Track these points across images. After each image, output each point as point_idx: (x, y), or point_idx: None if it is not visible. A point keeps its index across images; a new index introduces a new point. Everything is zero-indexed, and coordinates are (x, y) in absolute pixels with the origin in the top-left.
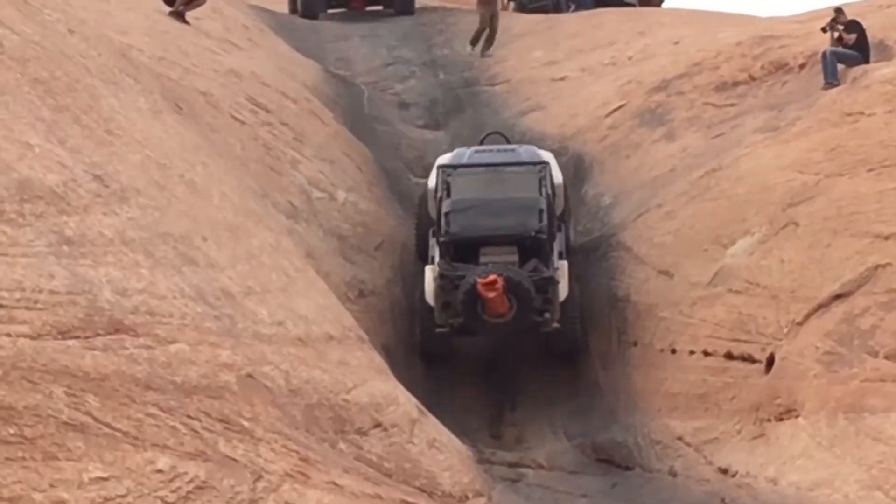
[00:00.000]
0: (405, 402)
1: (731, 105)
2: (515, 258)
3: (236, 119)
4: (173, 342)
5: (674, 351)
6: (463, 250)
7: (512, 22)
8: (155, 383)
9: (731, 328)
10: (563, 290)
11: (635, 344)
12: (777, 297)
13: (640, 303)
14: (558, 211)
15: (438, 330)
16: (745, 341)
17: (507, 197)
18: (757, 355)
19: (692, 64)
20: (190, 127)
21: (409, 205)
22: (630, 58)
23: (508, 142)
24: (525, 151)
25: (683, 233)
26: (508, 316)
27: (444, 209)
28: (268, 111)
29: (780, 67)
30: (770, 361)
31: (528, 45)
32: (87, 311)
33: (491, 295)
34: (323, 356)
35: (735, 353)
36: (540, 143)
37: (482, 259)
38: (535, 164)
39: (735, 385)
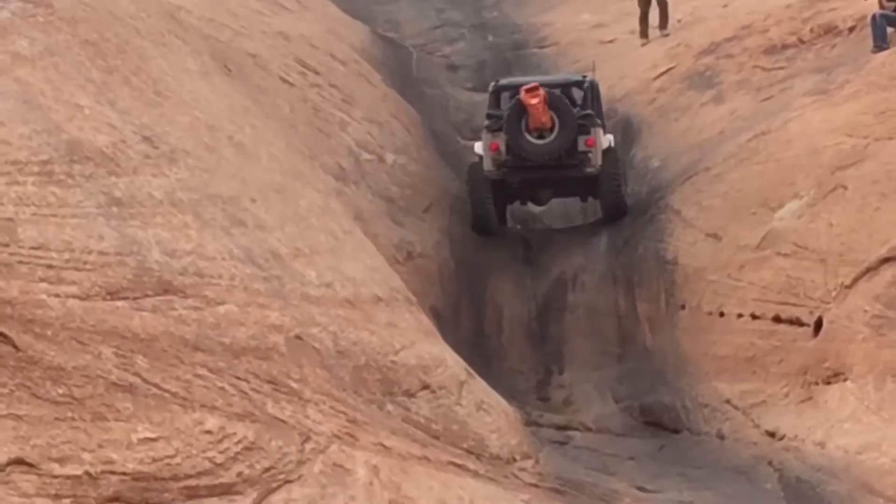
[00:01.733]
0: (453, 365)
1: (780, 68)
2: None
3: (285, 81)
4: (222, 303)
5: (722, 314)
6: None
7: None
8: (203, 344)
9: (779, 291)
10: (605, 139)
11: (683, 307)
12: (825, 260)
13: (688, 266)
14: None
15: (488, 173)
16: (794, 304)
17: (553, 77)
18: (805, 318)
19: (741, 27)
20: (239, 89)
21: (458, 167)
22: (679, 20)
23: None
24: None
25: (731, 196)
26: (551, 131)
27: (491, 87)
28: (316, 73)
29: (830, 30)
30: (818, 325)
31: (575, 7)
32: (135, 271)
33: (534, 101)
34: (371, 318)
35: (783, 316)
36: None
37: None
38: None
39: (783, 348)
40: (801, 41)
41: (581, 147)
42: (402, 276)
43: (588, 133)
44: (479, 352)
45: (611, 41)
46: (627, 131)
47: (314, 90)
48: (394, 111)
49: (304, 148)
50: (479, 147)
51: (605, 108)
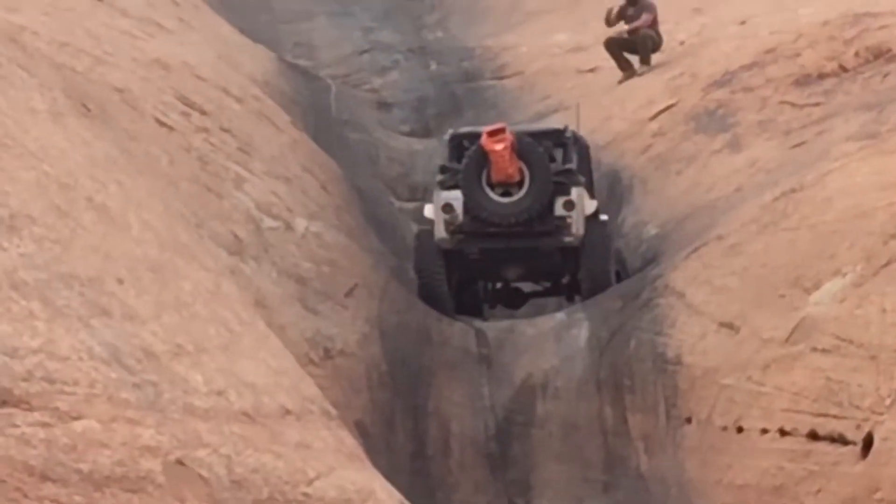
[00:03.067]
0: (385, 498)
1: (816, 104)
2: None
3: (163, 124)
4: (79, 418)
5: (740, 429)
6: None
7: None
8: (55, 472)
9: (816, 399)
10: (588, 204)
11: (689, 420)
12: (877, 357)
13: (695, 366)
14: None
15: (439, 241)
16: (835, 416)
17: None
18: (850, 435)
19: (764, 51)
20: (101, 134)
21: (391, 236)
22: (682, 43)
23: None
24: None
25: (753, 273)
26: (519, 186)
27: (447, 136)
28: (204, 113)
29: (881, 55)
30: (868, 443)
31: (547, 25)
32: None
33: (498, 147)
34: (276, 437)
35: (821, 431)
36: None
37: None
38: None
39: (822, 474)
40: (844, 69)
41: (558, 210)
42: (318, 381)
43: (567, 193)
44: (421, 480)
45: (592, 70)
46: (615, 188)
47: (201, 136)
48: (306, 163)
49: (188, 212)
50: (429, 210)
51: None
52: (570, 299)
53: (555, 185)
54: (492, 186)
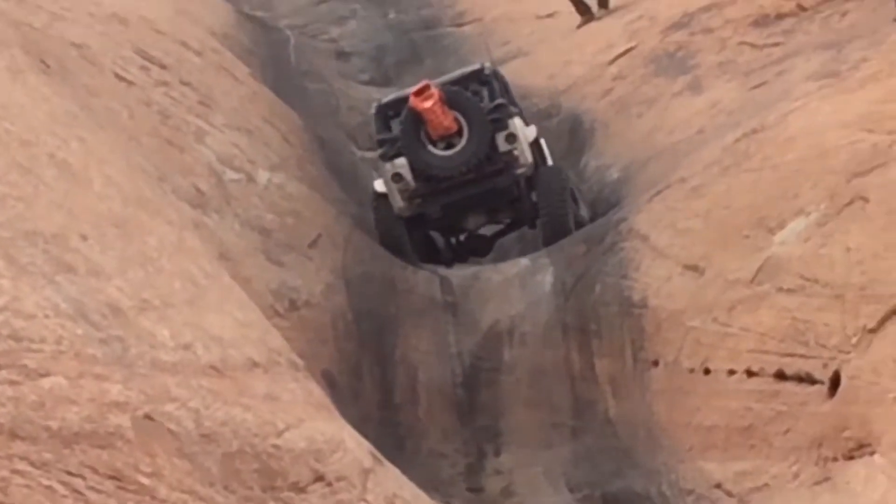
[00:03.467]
0: (355, 448)
1: (776, 44)
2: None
3: (122, 79)
4: (46, 375)
5: (707, 371)
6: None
7: None
8: (23, 430)
9: (782, 339)
10: (528, 131)
11: (656, 363)
12: (842, 296)
13: (660, 308)
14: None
15: (400, 210)
16: (802, 356)
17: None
18: (818, 374)
19: None
20: (61, 91)
21: (353, 186)
22: None
23: None
24: None
25: (716, 215)
26: (459, 136)
27: (373, 108)
28: (163, 67)
29: None
30: (835, 382)
31: None
32: None
33: (427, 104)
34: (244, 389)
35: (788, 371)
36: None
37: None
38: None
39: (789, 414)
40: (802, 8)
41: (502, 146)
42: (284, 333)
43: (505, 127)
44: (389, 429)
45: (550, 15)
46: (576, 133)
47: (161, 90)
48: (267, 115)
49: (150, 167)
50: (379, 184)
51: (546, 103)
52: (532, 226)
53: (491, 122)
54: (433, 143)
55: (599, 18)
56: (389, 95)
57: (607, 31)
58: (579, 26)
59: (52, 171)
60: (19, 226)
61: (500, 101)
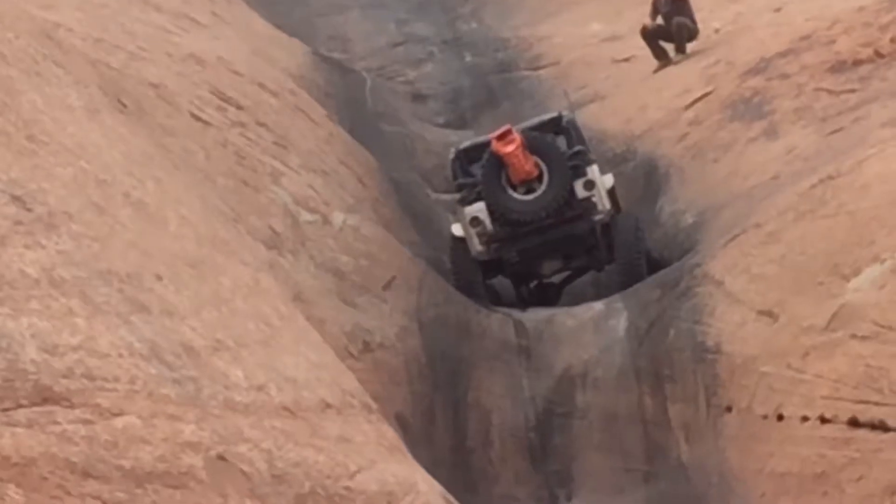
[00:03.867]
0: (427, 491)
1: (852, 91)
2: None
3: (199, 119)
4: (119, 414)
5: (780, 417)
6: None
7: None
8: (96, 469)
9: (856, 386)
10: (606, 179)
11: (729, 409)
12: None
13: (734, 354)
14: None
15: (479, 255)
16: (876, 403)
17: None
18: (891, 421)
19: (799, 37)
20: (138, 130)
21: (428, 228)
22: (717, 30)
23: None
24: None
25: (791, 261)
26: (539, 181)
27: (451, 154)
28: (240, 108)
29: None
30: None
31: (580, 15)
32: (4, 374)
33: (509, 149)
34: (317, 430)
35: (862, 418)
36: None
37: None
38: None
39: (863, 461)
40: (880, 55)
41: (580, 193)
42: (358, 375)
43: (584, 174)
44: (462, 472)
45: (627, 59)
46: (651, 178)
47: (237, 130)
48: (342, 156)
49: (226, 207)
50: (457, 228)
51: (622, 148)
52: (600, 269)
53: (571, 169)
54: (513, 187)
55: (676, 63)
56: (468, 140)
57: (684, 76)
58: (656, 71)
59: (128, 211)
60: (94, 265)
61: (579, 147)
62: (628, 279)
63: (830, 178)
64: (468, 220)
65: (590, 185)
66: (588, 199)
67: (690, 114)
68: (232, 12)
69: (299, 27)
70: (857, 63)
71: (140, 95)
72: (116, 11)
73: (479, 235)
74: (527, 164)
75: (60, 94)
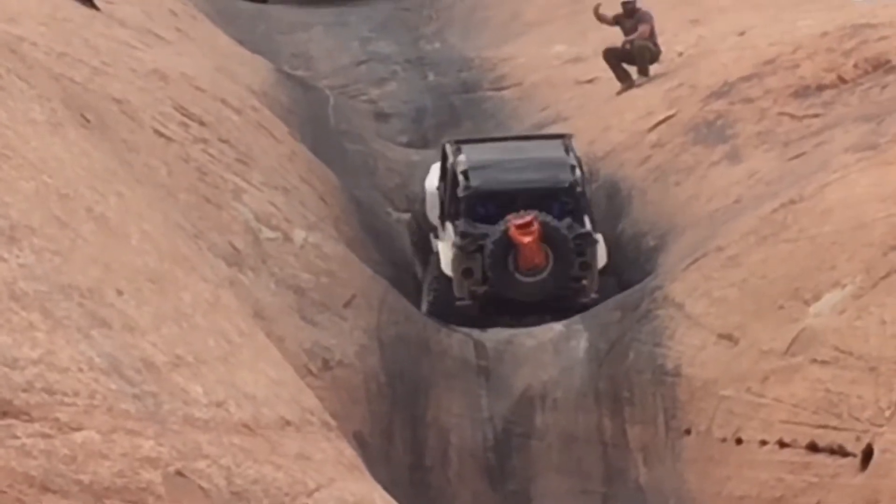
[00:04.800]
0: None
1: (815, 116)
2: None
3: (161, 135)
4: (79, 429)
5: (739, 441)
6: (482, 212)
7: (524, 6)
8: (55, 483)
9: (815, 411)
10: (601, 257)
11: (688, 432)
12: (876, 368)
13: (694, 377)
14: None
15: (459, 304)
16: (835, 428)
17: (532, 156)
18: (850, 447)
19: (763, 62)
20: (100, 145)
21: (388, 247)
22: (680, 54)
23: None
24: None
25: (752, 284)
26: (544, 269)
27: (461, 167)
28: (202, 124)
29: (880, 66)
30: (867, 455)
31: (544, 36)
32: None
33: (526, 239)
34: (276, 448)
35: (821, 443)
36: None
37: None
38: (559, 135)
39: (821, 486)
40: (843, 80)
41: (575, 271)
42: (317, 393)
43: (583, 255)
44: (419, 491)
45: (590, 81)
46: (614, 199)
47: (199, 147)
48: (304, 174)
49: (187, 223)
50: (445, 263)
51: (584, 170)
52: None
53: (575, 255)
54: (518, 270)
55: (639, 85)
56: (486, 179)
57: (647, 99)
58: (619, 93)
59: (90, 226)
60: (55, 279)
61: (586, 230)
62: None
63: (792, 202)
64: (462, 269)
65: (586, 266)
66: (579, 280)
67: (653, 136)
68: (196, 29)
69: (263, 44)
70: (821, 88)
71: (103, 110)
72: (80, 26)
73: (468, 287)
74: (537, 257)
75: (24, 107)
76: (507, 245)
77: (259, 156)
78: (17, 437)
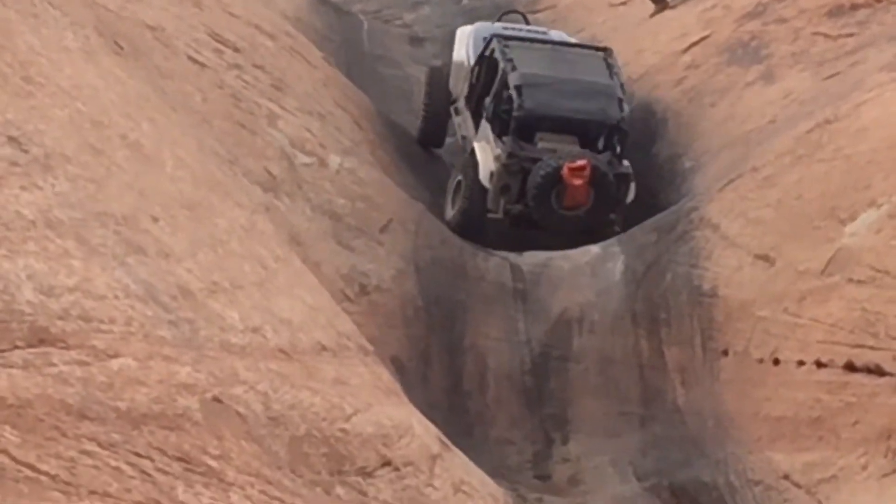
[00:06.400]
0: (422, 433)
1: (850, 35)
2: (577, 148)
3: (195, 61)
4: (115, 356)
5: (777, 361)
6: (527, 132)
7: None
8: (92, 411)
9: (852, 330)
10: (631, 192)
11: (726, 353)
12: None
13: (731, 298)
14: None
15: (491, 216)
16: (872, 347)
17: (582, 79)
18: (887, 366)
19: None
20: (134, 72)
21: (423, 172)
22: None
23: (528, 23)
24: (559, 35)
25: (788, 205)
26: (585, 208)
27: (514, 82)
28: (236, 50)
29: None
30: None
31: None
32: (0, 316)
33: (577, 182)
34: (313, 373)
35: (858, 363)
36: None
37: (539, 145)
38: (600, 49)
39: (859, 405)
40: None
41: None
42: (354, 318)
43: (618, 194)
44: (457, 416)
45: (623, 3)
46: (648, 122)
47: (233, 73)
48: (339, 99)
49: (222, 149)
50: (483, 171)
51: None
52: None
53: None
54: (560, 205)
55: (674, 7)
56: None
57: (681, 20)
58: (653, 14)
59: (124, 153)
60: (90, 207)
61: (625, 170)
62: None
63: (827, 122)
64: (500, 185)
65: (618, 204)
66: (612, 220)
67: (687, 58)
68: None
69: None
70: (855, 7)
71: (136, 37)
72: None
73: (504, 205)
74: (583, 198)
75: (57, 35)
76: (556, 181)
77: (293, 81)
78: (53, 365)
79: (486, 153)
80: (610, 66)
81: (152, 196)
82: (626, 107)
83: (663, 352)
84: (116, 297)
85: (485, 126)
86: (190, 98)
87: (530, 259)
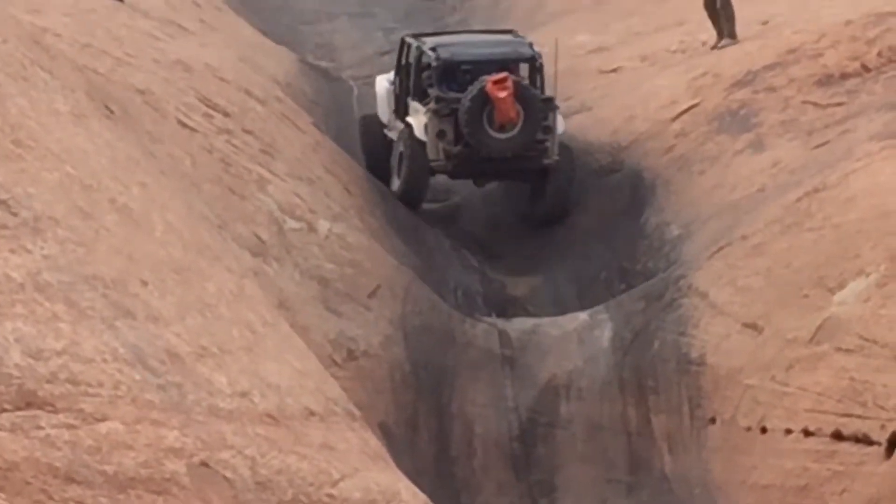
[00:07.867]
0: (410, 499)
1: (839, 104)
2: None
3: (185, 125)
4: (103, 420)
5: (764, 430)
6: (451, 83)
7: None
8: (79, 474)
9: (840, 399)
10: (560, 123)
11: (713, 421)
12: None
13: (718, 366)
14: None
15: (434, 163)
16: (860, 416)
17: (492, 38)
18: (875, 435)
19: (786, 50)
20: (124, 136)
21: (411, 237)
22: (704, 42)
23: None
24: None
25: (776, 273)
26: (515, 125)
27: (429, 46)
28: (226, 115)
29: None
30: (892, 443)
31: (569, 25)
32: None
33: (502, 94)
34: (300, 438)
35: (846, 432)
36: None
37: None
38: (507, 31)
39: (847, 474)
40: (866, 69)
41: (539, 136)
42: (341, 383)
43: (546, 119)
44: (444, 482)
45: (614, 70)
46: (637, 189)
47: (223, 137)
48: (329, 164)
49: (211, 214)
50: (418, 128)
51: (608, 159)
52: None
53: (541, 116)
54: (491, 125)
55: (722, 48)
56: (459, 55)
57: (671, 88)
58: (713, 48)
59: (114, 216)
60: (79, 270)
61: (549, 96)
62: (555, 212)
63: (816, 191)
64: (436, 132)
65: (548, 130)
66: (543, 142)
67: (677, 126)
68: (219, 19)
69: (287, 35)
70: (845, 76)
71: (127, 101)
72: (104, 17)
73: (443, 149)
74: (511, 112)
75: (47, 98)
76: (484, 101)
77: (283, 146)
78: (41, 428)
79: (418, 115)
80: (518, 36)
81: (141, 260)
82: (538, 49)
83: (651, 419)
84: (105, 360)
85: (413, 104)
86: (180, 162)
87: (518, 325)
